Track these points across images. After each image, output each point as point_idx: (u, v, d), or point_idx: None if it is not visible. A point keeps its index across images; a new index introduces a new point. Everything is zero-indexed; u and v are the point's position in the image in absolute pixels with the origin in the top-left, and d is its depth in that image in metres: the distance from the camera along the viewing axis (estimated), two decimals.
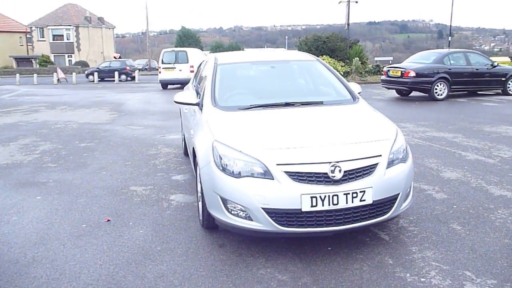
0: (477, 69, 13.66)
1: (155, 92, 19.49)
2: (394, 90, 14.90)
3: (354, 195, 3.15)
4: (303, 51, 21.86)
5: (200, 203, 3.88)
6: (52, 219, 4.19)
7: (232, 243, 3.60)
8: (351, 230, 3.30)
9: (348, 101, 4.36)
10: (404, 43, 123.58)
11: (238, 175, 3.21)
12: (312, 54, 16.89)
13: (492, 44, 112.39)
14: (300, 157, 3.19)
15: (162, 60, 20.56)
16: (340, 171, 3.14)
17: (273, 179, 3.13)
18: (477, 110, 11.31)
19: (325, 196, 3.10)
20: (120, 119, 11.02)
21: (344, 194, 3.12)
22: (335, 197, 3.11)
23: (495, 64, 14.04)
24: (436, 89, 13.29)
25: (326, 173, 3.12)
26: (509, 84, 14.36)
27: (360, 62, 20.18)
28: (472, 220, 3.97)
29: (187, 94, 4.67)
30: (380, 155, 3.34)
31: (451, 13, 30.18)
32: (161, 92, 19.66)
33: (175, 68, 20.07)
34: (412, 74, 13.21)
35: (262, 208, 3.12)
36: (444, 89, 13.36)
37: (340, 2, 24.55)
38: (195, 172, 4.20)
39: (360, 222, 3.23)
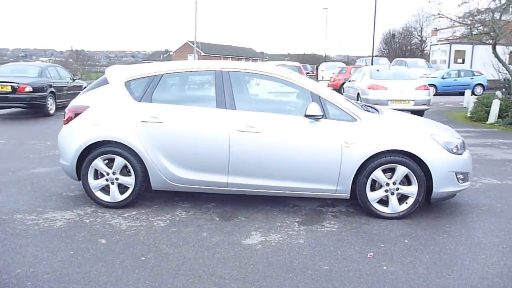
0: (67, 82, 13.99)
1: None
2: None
3: None
4: None
5: None
6: None
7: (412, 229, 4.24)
8: None
9: None
10: None
11: (460, 152, 4.53)
12: None
13: None
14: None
15: None
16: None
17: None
18: None
19: None
20: None
21: None
22: None
23: (75, 78, 14.92)
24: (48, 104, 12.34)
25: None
26: None
27: None
28: None
29: (313, 108, 4.28)
30: None
31: None
32: None
33: None
34: (29, 89, 11.58)
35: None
36: (53, 104, 12.61)
37: None
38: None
39: None
